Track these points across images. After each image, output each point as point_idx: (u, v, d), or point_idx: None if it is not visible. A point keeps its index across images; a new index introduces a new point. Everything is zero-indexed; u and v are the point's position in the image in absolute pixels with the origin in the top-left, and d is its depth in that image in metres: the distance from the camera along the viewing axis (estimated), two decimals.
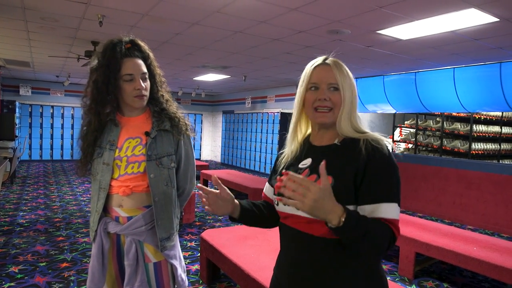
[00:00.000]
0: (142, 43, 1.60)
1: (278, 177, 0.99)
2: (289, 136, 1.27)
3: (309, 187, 0.92)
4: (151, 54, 1.61)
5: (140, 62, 1.54)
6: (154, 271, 1.56)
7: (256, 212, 1.27)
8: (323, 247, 1.07)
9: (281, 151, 1.33)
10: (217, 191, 1.16)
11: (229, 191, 1.17)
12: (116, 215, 1.54)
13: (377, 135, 1.12)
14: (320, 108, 1.13)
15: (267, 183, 1.36)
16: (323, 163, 0.95)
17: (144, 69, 1.54)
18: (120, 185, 1.53)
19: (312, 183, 0.93)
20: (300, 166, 1.18)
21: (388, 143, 1.12)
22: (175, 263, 1.61)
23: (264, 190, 1.36)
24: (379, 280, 1.11)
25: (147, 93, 1.55)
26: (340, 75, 1.13)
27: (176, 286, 1.63)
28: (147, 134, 1.55)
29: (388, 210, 1.03)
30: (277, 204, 1.19)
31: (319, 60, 1.18)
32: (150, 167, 1.52)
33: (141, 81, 1.52)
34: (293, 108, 1.24)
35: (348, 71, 1.16)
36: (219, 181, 1.15)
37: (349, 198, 1.05)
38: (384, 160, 1.06)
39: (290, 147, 1.26)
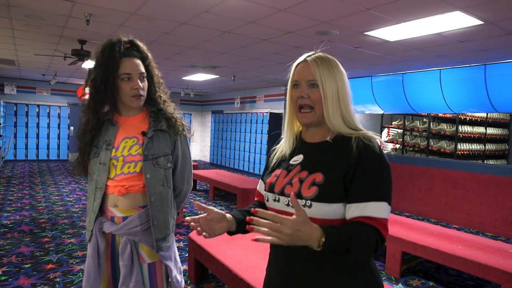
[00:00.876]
0: (141, 44, 1.61)
1: (247, 217, 0.95)
2: (283, 132, 1.27)
3: (283, 222, 0.91)
4: (149, 55, 1.62)
5: (138, 62, 1.55)
6: (148, 272, 1.55)
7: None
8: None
9: (273, 147, 1.33)
10: (205, 214, 1.11)
11: (217, 210, 1.12)
12: (112, 215, 1.54)
13: (370, 133, 1.12)
14: (303, 107, 1.14)
15: (260, 181, 1.35)
16: (292, 195, 0.95)
17: (142, 69, 1.56)
18: (116, 185, 1.53)
19: (284, 219, 0.91)
20: (291, 162, 1.18)
21: (380, 142, 1.12)
22: (170, 264, 1.60)
23: (257, 188, 1.35)
24: (371, 274, 1.11)
25: (144, 93, 1.56)
26: (319, 71, 1.11)
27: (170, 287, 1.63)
28: (143, 134, 1.55)
29: (377, 209, 1.02)
30: (267, 200, 1.19)
31: (302, 57, 1.18)
32: (146, 167, 1.52)
33: (138, 81, 1.53)
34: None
35: (334, 65, 1.14)
36: (202, 205, 1.10)
37: (338, 196, 1.05)
38: (375, 158, 1.06)
39: (284, 143, 1.26)
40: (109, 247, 1.57)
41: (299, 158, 1.18)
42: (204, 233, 1.10)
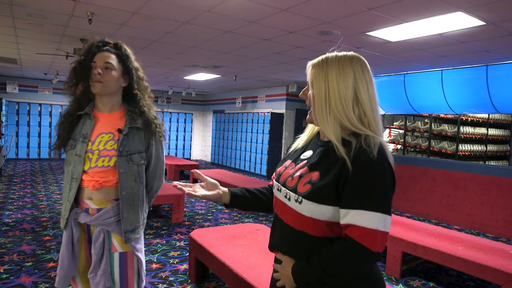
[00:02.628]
0: (126, 47, 1.70)
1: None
2: (307, 127, 1.30)
3: (276, 269, 1.15)
4: (132, 57, 1.69)
5: (109, 54, 1.63)
6: (119, 261, 1.61)
7: (248, 197, 1.29)
8: (298, 240, 1.10)
9: (296, 137, 1.34)
10: (202, 183, 1.23)
11: (212, 180, 1.23)
12: (86, 206, 1.61)
13: (372, 138, 1.04)
14: (308, 106, 1.17)
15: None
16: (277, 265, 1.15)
17: (110, 60, 1.62)
18: (90, 180, 1.60)
19: (276, 266, 1.16)
20: (301, 157, 1.20)
21: (383, 146, 1.03)
22: (141, 256, 1.67)
23: (274, 173, 1.38)
24: (374, 281, 1.10)
25: (104, 81, 1.61)
26: (313, 72, 1.12)
27: (139, 281, 1.68)
28: (119, 131, 1.63)
29: (366, 219, 0.96)
30: (274, 188, 1.24)
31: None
32: (120, 163, 1.60)
33: (102, 68, 1.61)
34: None
35: (332, 65, 1.09)
36: (200, 172, 1.24)
37: (329, 198, 1.03)
38: (368, 165, 0.99)
39: (304, 137, 1.29)
40: (86, 236, 1.65)
41: (308, 153, 1.19)
42: (189, 190, 1.19)
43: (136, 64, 1.70)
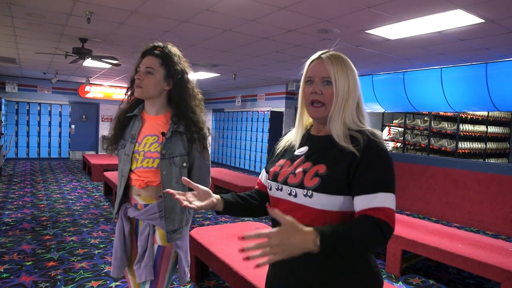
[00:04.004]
0: (170, 50, 1.71)
1: (240, 237, 0.95)
2: (295, 125, 1.29)
3: (268, 236, 0.91)
4: (175, 59, 1.70)
5: (153, 59, 1.67)
6: (157, 253, 1.67)
7: (241, 203, 1.28)
8: None
9: (281, 138, 1.36)
10: (194, 192, 1.20)
11: (204, 188, 1.20)
12: (135, 202, 1.71)
13: (374, 130, 1.14)
14: (315, 102, 1.16)
15: (263, 170, 1.38)
16: (274, 211, 0.95)
17: (150, 65, 1.66)
18: (137, 179, 1.68)
19: (269, 233, 0.92)
20: (296, 153, 1.21)
21: (383, 139, 1.13)
22: (181, 253, 1.70)
23: (259, 177, 1.39)
24: (371, 273, 1.11)
25: (144, 86, 1.65)
26: (334, 69, 1.13)
27: (178, 278, 1.74)
28: (163, 134, 1.68)
29: (384, 200, 1.03)
30: (270, 189, 1.22)
31: (316, 54, 1.20)
32: (162, 165, 1.65)
33: (142, 73, 1.65)
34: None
35: (348, 65, 1.16)
36: (189, 180, 1.20)
37: (339, 188, 1.06)
38: (380, 151, 1.08)
39: (292, 135, 1.29)
40: (135, 230, 1.74)
41: (304, 149, 1.20)
42: (190, 204, 1.14)
43: (180, 67, 1.70)
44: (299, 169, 1.14)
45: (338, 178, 1.06)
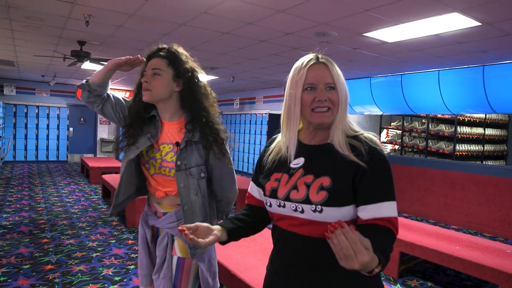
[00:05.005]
0: (177, 49, 1.61)
1: (330, 226, 0.86)
2: (282, 134, 1.20)
3: (359, 252, 0.83)
4: (184, 58, 1.60)
5: (158, 60, 1.56)
6: (176, 265, 1.59)
7: (242, 226, 1.22)
8: (320, 248, 1.05)
9: (265, 148, 1.30)
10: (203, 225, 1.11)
11: (204, 224, 1.12)
12: (155, 210, 1.66)
13: (371, 135, 1.12)
14: (318, 108, 1.10)
15: (252, 183, 1.30)
16: (340, 225, 0.85)
17: (157, 66, 1.55)
18: (156, 187, 1.62)
19: (363, 251, 0.83)
20: (292, 165, 1.15)
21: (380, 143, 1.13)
22: (202, 265, 1.60)
23: (249, 190, 1.31)
24: (375, 279, 1.11)
25: (152, 88, 1.54)
26: (335, 73, 1.11)
27: None
28: (177, 144, 1.59)
29: (389, 209, 1.04)
30: (270, 205, 1.15)
31: (311, 58, 1.13)
32: (179, 177, 1.56)
33: (149, 76, 1.55)
34: (283, 107, 1.17)
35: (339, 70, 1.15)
36: (185, 227, 1.06)
37: (348, 199, 1.05)
38: (382, 160, 1.07)
39: (279, 144, 1.22)
40: (155, 238, 1.69)
41: (299, 161, 1.14)
42: (200, 241, 1.06)
43: (189, 65, 1.59)
44: (301, 183, 1.09)
45: (345, 190, 1.05)
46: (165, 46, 1.61)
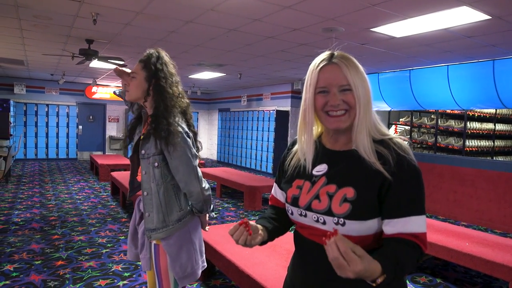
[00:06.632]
0: (151, 53, 1.76)
1: (325, 236, 0.85)
2: (299, 137, 1.15)
3: (352, 261, 0.82)
4: (154, 61, 1.74)
5: (138, 64, 1.78)
6: (154, 251, 1.77)
7: (278, 226, 1.20)
8: None
9: (288, 150, 1.24)
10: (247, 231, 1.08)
11: (253, 223, 1.11)
12: (140, 195, 1.86)
13: (401, 140, 1.04)
14: (332, 112, 1.04)
15: (275, 185, 1.27)
16: (337, 237, 0.84)
17: (134, 69, 1.77)
18: (139, 173, 1.84)
19: (355, 260, 0.82)
20: (314, 173, 1.09)
21: (411, 148, 1.04)
22: (169, 254, 1.73)
23: (273, 193, 1.29)
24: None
25: (129, 89, 1.78)
26: (351, 73, 1.02)
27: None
28: (143, 134, 1.78)
29: (417, 224, 0.97)
30: (292, 213, 1.12)
31: (323, 59, 1.06)
32: (143, 164, 1.76)
33: (128, 79, 1.79)
34: (300, 111, 1.12)
35: (359, 66, 1.05)
36: (249, 222, 1.07)
37: (373, 212, 0.99)
38: (412, 170, 0.99)
39: (302, 149, 1.15)
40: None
41: (322, 168, 1.09)
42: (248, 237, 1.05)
43: (157, 66, 1.73)
44: (323, 193, 1.04)
45: (370, 203, 0.98)
46: (151, 51, 1.78)
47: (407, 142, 1.05)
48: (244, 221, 1.04)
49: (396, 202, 0.98)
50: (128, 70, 1.85)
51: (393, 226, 0.97)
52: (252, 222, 1.09)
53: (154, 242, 1.75)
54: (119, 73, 1.88)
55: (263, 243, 1.14)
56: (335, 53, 1.06)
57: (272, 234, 1.17)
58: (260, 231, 1.10)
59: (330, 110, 1.04)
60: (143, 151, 1.73)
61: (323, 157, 1.10)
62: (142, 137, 1.76)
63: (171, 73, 1.78)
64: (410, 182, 0.99)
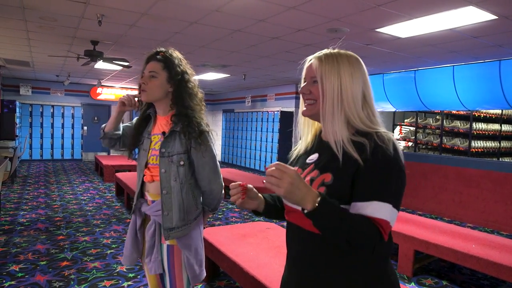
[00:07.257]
0: (172, 53, 1.79)
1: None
2: (300, 130, 1.27)
3: (285, 170, 0.93)
4: (177, 62, 1.77)
5: (155, 63, 1.75)
6: (167, 253, 1.72)
7: (278, 207, 1.28)
8: (321, 243, 1.06)
9: (296, 146, 1.33)
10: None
11: (255, 190, 1.22)
12: (146, 198, 1.81)
13: (385, 133, 1.06)
14: (306, 101, 1.15)
15: None
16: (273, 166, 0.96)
17: (153, 69, 1.73)
18: (148, 174, 1.78)
19: (288, 167, 0.94)
20: (307, 161, 1.17)
21: (396, 142, 1.05)
22: (187, 253, 1.72)
23: None
24: (386, 281, 1.07)
25: (148, 89, 1.73)
26: (322, 67, 1.08)
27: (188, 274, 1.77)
28: (163, 133, 1.76)
29: (378, 210, 0.97)
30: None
31: (314, 56, 1.16)
32: (162, 163, 1.72)
33: (147, 78, 1.73)
34: None
35: (343, 63, 1.09)
36: (248, 186, 1.19)
37: (346, 197, 1.02)
38: (385, 159, 1.00)
39: (304, 140, 1.26)
40: (144, 226, 1.85)
41: (314, 156, 1.16)
42: (238, 200, 1.17)
43: (181, 68, 1.77)
44: (308, 178, 1.11)
45: (343, 187, 1.02)
46: (162, 49, 1.78)
47: (395, 142, 1.06)
48: (243, 185, 1.17)
49: (362, 187, 1.00)
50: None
51: (354, 208, 1.00)
52: (254, 190, 1.21)
53: (167, 243, 1.71)
54: (134, 105, 1.87)
55: (258, 214, 1.27)
56: (328, 50, 1.13)
57: (269, 208, 1.27)
58: (257, 201, 1.22)
59: (304, 99, 1.15)
60: (163, 150, 1.71)
61: (317, 147, 1.19)
62: (159, 137, 1.76)
63: (192, 73, 1.83)
64: (379, 169, 1.00)
